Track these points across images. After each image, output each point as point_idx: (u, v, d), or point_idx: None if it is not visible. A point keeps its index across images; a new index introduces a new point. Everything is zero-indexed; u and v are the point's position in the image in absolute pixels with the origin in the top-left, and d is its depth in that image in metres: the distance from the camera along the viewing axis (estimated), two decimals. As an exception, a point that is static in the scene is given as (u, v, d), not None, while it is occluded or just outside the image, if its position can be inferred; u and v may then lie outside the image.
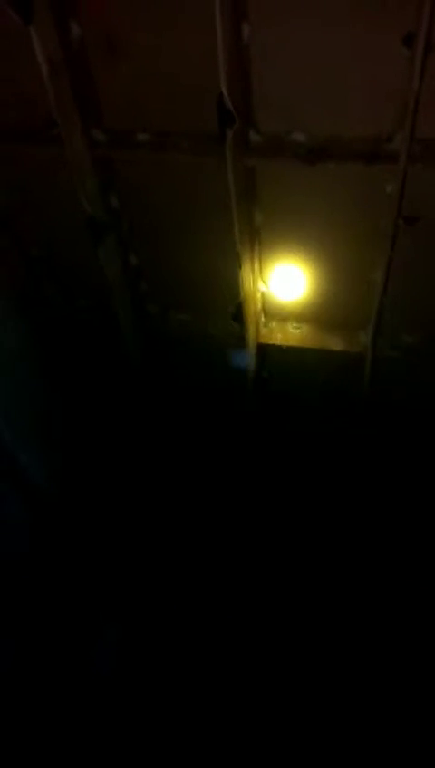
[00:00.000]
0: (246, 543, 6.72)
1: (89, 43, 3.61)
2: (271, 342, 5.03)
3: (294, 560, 6.60)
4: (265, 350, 5.12)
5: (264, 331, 5.02)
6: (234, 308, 4.64)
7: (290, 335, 4.99)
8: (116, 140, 3.97)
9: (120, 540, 6.48)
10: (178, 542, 6.73)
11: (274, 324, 5.00)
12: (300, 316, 4.91)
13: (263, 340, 5.04)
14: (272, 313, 4.95)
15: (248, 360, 5.02)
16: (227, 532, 6.72)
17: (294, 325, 4.97)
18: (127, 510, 6.58)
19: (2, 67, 3.78)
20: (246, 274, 4.44)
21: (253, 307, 4.76)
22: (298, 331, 4.97)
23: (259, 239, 4.40)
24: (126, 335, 5.28)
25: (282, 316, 4.96)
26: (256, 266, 4.56)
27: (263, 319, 4.99)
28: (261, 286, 4.73)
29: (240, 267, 4.34)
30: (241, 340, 4.95)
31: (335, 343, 4.85)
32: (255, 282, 4.63)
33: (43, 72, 3.55)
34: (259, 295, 4.80)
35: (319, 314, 4.82)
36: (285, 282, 4.66)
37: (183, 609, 6.51)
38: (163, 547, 6.71)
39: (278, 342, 5.01)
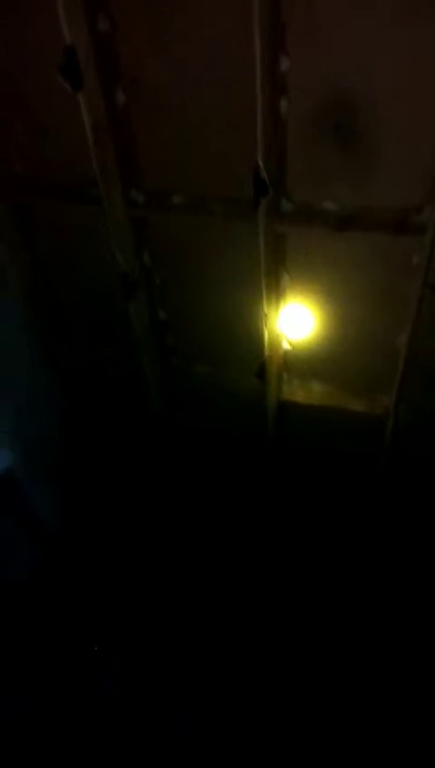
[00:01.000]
0: (254, 592, 6.66)
1: (133, 109, 3.79)
2: (292, 400, 5.08)
3: (304, 613, 6.51)
4: (286, 408, 5.16)
5: (286, 388, 5.07)
6: (257, 366, 4.70)
7: (312, 394, 5.03)
8: (153, 202, 4.12)
9: (129, 579, 6.51)
10: (185, 581, 6.69)
11: (296, 382, 5.05)
12: (322, 376, 4.95)
13: (284, 398, 5.09)
14: (295, 372, 5.01)
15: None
16: (234, 576, 6.67)
17: (317, 384, 5.01)
18: (136, 551, 6.63)
19: (49, 129, 3.98)
20: (272, 334, 4.52)
21: (276, 365, 4.83)
22: (320, 390, 5.01)
23: (285, 300, 4.49)
24: (150, 385, 5.36)
25: (304, 375, 5.01)
26: (281, 326, 4.63)
27: (285, 377, 5.04)
28: (285, 345, 4.80)
29: (266, 327, 4.42)
30: (263, 397, 5.02)
31: (357, 404, 4.88)
32: (279, 341, 4.71)
33: (88, 136, 3.72)
34: (283, 354, 4.87)
35: (342, 375, 4.87)
36: (308, 342, 4.73)
37: (188, 643, 6.43)
38: (170, 585, 6.69)
39: (300, 400, 5.06)
